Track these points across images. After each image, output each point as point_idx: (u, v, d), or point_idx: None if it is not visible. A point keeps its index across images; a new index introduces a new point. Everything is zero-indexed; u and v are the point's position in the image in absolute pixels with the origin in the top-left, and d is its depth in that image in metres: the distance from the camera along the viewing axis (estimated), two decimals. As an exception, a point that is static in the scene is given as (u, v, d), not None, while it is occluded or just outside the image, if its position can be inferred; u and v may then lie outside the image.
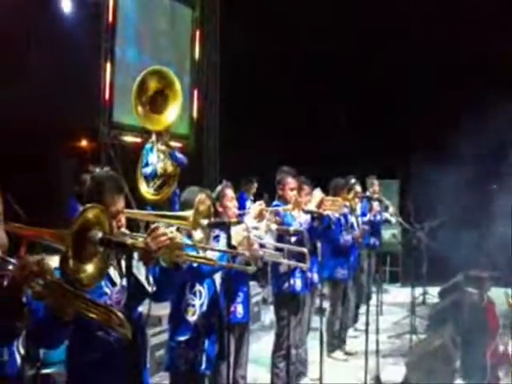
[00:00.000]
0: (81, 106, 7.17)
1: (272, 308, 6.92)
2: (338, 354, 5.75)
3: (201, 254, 2.92)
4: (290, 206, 4.43)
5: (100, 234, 1.88)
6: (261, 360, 5.38)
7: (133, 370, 2.23)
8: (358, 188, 6.62)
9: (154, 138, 5.25)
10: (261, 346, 5.62)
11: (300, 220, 4.42)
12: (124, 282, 2.39)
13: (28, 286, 1.66)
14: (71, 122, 6.96)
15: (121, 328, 1.85)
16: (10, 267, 1.73)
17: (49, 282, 1.69)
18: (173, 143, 5.55)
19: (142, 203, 5.24)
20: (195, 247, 2.78)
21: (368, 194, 6.72)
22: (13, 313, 1.64)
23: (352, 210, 5.71)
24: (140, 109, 5.11)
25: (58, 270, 1.93)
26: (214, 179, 9.63)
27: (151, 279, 2.37)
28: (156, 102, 5.19)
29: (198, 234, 2.76)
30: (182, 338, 2.97)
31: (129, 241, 2.06)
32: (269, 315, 6.66)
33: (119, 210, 2.40)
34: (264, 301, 6.99)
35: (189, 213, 2.78)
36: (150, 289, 2.36)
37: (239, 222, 3.19)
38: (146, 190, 5.29)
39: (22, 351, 1.84)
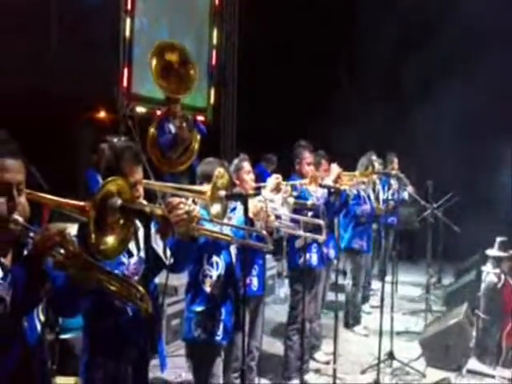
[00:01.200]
0: (100, 78, 7.17)
1: (287, 281, 7.01)
2: (359, 328, 5.76)
3: (217, 228, 2.94)
4: (306, 181, 4.40)
5: (119, 201, 1.88)
6: (275, 332, 5.44)
7: (148, 339, 2.27)
8: (377, 164, 6.58)
9: (176, 107, 5.17)
10: (275, 319, 5.67)
11: (317, 195, 4.39)
12: (141, 254, 2.41)
13: (49, 255, 1.67)
14: (90, 93, 6.96)
15: (141, 302, 1.85)
16: (32, 235, 1.75)
17: (70, 252, 1.69)
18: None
19: (160, 174, 5.22)
20: (211, 221, 2.79)
21: (387, 170, 6.66)
22: (34, 281, 1.64)
23: (374, 186, 5.68)
24: (158, 76, 5.04)
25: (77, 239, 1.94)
26: (230, 152, 9.62)
27: (168, 252, 2.38)
28: (174, 71, 5.13)
29: (215, 208, 2.75)
30: (199, 309, 2.99)
31: (147, 208, 2.06)
32: (283, 288, 6.72)
33: (137, 181, 2.40)
34: (279, 274, 7.02)
35: (207, 187, 2.77)
36: (167, 261, 2.37)
37: (256, 194, 3.18)
38: (165, 160, 5.26)
39: (42, 318, 1.86)
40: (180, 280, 4.28)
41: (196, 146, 5.23)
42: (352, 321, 5.79)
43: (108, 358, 2.31)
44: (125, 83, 7.74)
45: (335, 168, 4.65)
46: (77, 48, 6.73)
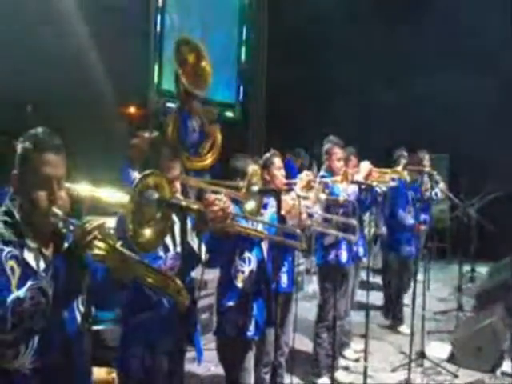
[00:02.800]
0: (131, 73, 7.24)
1: (315, 278, 6.98)
2: (404, 327, 5.67)
3: (250, 225, 2.94)
4: (338, 178, 4.35)
5: (156, 195, 1.89)
6: (303, 329, 5.41)
7: (184, 331, 2.29)
8: (405, 161, 6.48)
9: (194, 104, 5.18)
10: (303, 316, 5.65)
11: (347, 191, 4.35)
12: (178, 249, 2.43)
13: (89, 249, 1.69)
14: (121, 88, 7.04)
15: (178, 295, 1.86)
16: (72, 228, 1.78)
17: (109, 245, 1.71)
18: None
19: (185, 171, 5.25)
20: (245, 218, 2.79)
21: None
22: (74, 273, 1.67)
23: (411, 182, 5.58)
24: (181, 72, 5.06)
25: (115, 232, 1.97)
26: (258, 148, 9.61)
27: (203, 247, 2.39)
28: (190, 66, 5.14)
29: (249, 205, 2.76)
30: (230, 304, 3.00)
31: (184, 203, 2.08)
32: (311, 285, 6.69)
33: (175, 176, 2.42)
34: (307, 271, 7.00)
35: (241, 183, 2.78)
36: (202, 257, 2.38)
37: (289, 190, 3.16)
38: (192, 157, 5.28)
39: (82, 309, 1.90)
40: (210, 274, 4.30)
41: (220, 140, 5.26)
42: (396, 320, 5.75)
43: (144, 349, 2.34)
44: (156, 79, 7.82)
45: (366, 165, 4.60)
46: (108, 43, 6.81)
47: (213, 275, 3.68)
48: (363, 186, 4.46)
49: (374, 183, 4.65)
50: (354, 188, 4.37)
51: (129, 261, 1.78)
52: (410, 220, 5.52)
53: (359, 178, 4.47)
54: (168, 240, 2.43)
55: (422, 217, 6.35)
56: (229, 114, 9.58)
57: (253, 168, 2.82)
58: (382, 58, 9.43)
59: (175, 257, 2.43)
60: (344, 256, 4.34)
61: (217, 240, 2.48)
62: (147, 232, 1.83)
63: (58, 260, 1.72)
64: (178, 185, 2.48)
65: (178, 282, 1.80)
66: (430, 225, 6.01)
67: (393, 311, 5.81)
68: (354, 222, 3.77)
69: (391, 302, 5.85)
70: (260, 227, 3.04)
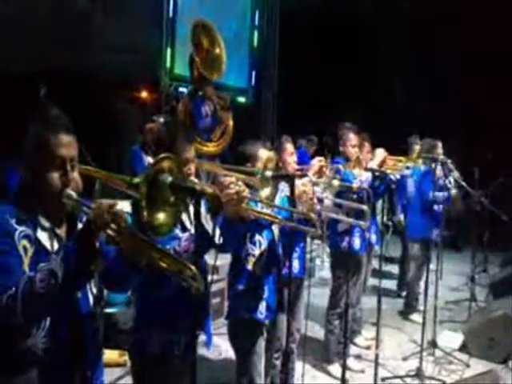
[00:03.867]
0: (143, 58, 7.21)
1: (326, 265, 6.96)
2: (416, 316, 5.65)
3: (264, 209, 2.92)
4: (351, 164, 4.30)
5: (170, 178, 1.86)
6: (314, 315, 5.40)
7: (196, 315, 2.27)
8: (419, 149, 6.40)
9: (208, 89, 5.14)
10: (315, 302, 5.63)
11: (361, 178, 4.30)
12: (193, 231, 2.41)
13: (103, 230, 1.67)
14: (134, 72, 7.02)
15: (193, 281, 1.84)
16: (85, 209, 1.76)
17: (122, 228, 1.69)
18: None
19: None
20: (260, 202, 2.77)
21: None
22: (86, 256, 1.65)
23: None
24: (197, 58, 5.02)
25: (129, 216, 1.95)
26: (271, 133, 9.56)
27: (218, 231, 2.37)
28: (204, 50, 5.10)
29: (264, 191, 2.73)
30: (241, 287, 2.99)
31: (198, 186, 2.05)
32: (322, 272, 6.68)
33: (189, 159, 2.41)
34: (318, 257, 6.98)
35: (256, 169, 2.76)
36: (216, 240, 2.36)
37: (303, 176, 3.12)
38: (204, 143, 5.26)
39: (95, 291, 1.89)
40: (221, 259, 4.30)
41: (231, 126, 5.24)
42: (410, 309, 5.73)
43: (159, 330, 2.34)
44: (168, 63, 7.76)
45: (381, 152, 4.54)
46: (121, 27, 6.77)
47: (224, 260, 3.67)
48: (377, 174, 4.42)
49: (388, 171, 4.61)
50: (367, 175, 4.32)
51: (143, 244, 1.76)
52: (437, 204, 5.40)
53: (373, 165, 4.43)
54: (185, 220, 2.42)
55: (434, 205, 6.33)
56: (241, 99, 9.52)
57: (268, 153, 2.79)
58: (394, 45, 9.32)
59: (190, 238, 2.42)
60: (357, 243, 4.30)
61: (231, 224, 2.45)
62: (161, 216, 1.80)
63: (69, 243, 1.70)
64: (192, 167, 2.46)
65: (193, 267, 1.77)
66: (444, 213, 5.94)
67: (407, 298, 5.79)
68: (364, 207, 3.73)
69: (408, 288, 5.82)
70: (270, 211, 3.01)
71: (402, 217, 6.30)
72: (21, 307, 1.58)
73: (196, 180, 2.36)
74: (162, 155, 1.83)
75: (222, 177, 2.46)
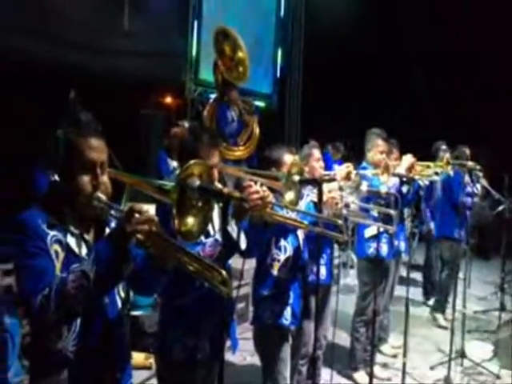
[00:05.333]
0: (168, 63, 7.27)
1: (351, 271, 6.89)
2: (443, 321, 5.67)
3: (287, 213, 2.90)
4: (379, 170, 4.26)
5: (198, 182, 1.86)
6: (339, 322, 5.34)
7: (221, 320, 2.26)
8: (448, 155, 6.31)
9: (232, 94, 5.15)
10: (339, 309, 5.57)
11: (388, 184, 4.24)
12: (217, 236, 2.40)
13: (133, 234, 1.66)
14: (159, 78, 7.08)
15: (222, 286, 1.84)
16: (114, 213, 1.77)
17: (152, 231, 1.68)
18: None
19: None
20: (285, 207, 2.75)
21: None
22: (118, 259, 1.65)
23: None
24: (221, 64, 5.04)
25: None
26: (295, 138, 9.53)
27: (243, 236, 2.35)
28: (227, 56, 5.12)
29: (288, 195, 2.71)
30: (267, 292, 2.98)
31: (225, 190, 2.04)
32: (348, 279, 6.61)
33: (214, 164, 2.40)
34: (344, 264, 6.91)
35: (281, 174, 2.74)
36: (242, 245, 2.35)
37: (331, 180, 3.09)
38: (231, 148, 5.27)
39: (123, 294, 1.90)
40: (245, 264, 4.29)
41: (257, 130, 5.24)
42: (441, 308, 5.79)
43: (185, 333, 2.34)
44: (193, 68, 7.80)
45: (408, 158, 4.48)
46: (146, 33, 6.84)
47: (248, 265, 3.65)
48: (404, 179, 4.36)
49: (416, 176, 4.54)
50: (394, 181, 4.26)
51: (172, 248, 1.75)
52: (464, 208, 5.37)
53: (400, 170, 4.36)
54: (209, 226, 2.41)
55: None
56: (265, 104, 9.51)
57: (293, 158, 2.77)
58: (420, 49, 9.22)
59: (214, 244, 2.41)
60: (385, 249, 4.24)
61: (255, 229, 2.44)
62: (190, 221, 1.80)
63: (100, 245, 1.71)
64: (215, 173, 2.45)
65: (223, 272, 1.76)
66: (470, 221, 5.84)
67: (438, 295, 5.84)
68: (392, 211, 3.68)
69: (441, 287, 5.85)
70: (295, 216, 2.98)
71: (432, 225, 6.22)
72: (53, 307, 1.60)
73: (219, 185, 2.35)
74: (192, 161, 1.82)
75: (247, 182, 2.44)
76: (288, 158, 3.01)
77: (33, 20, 5.54)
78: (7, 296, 4.38)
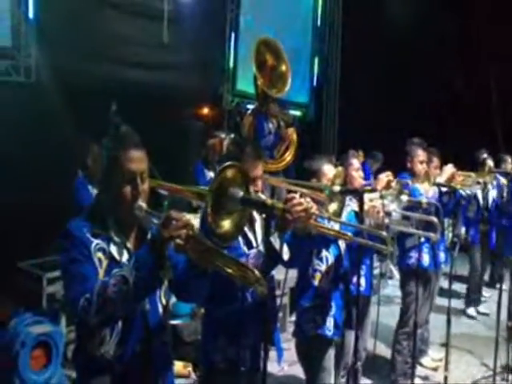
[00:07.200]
0: (205, 74, 7.38)
1: (390, 282, 6.80)
2: (472, 310, 5.91)
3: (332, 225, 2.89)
4: (419, 179, 4.22)
5: (241, 193, 1.89)
6: (378, 333, 5.27)
7: (263, 330, 2.28)
8: (491, 163, 6.18)
9: (272, 107, 5.16)
10: (379, 320, 5.50)
11: (427, 194, 4.19)
12: (260, 247, 2.43)
13: (173, 239, 1.71)
14: (197, 89, 7.19)
15: (257, 285, 1.86)
16: (154, 220, 1.83)
17: (190, 235, 1.73)
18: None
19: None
20: (329, 219, 2.75)
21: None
22: (157, 264, 1.70)
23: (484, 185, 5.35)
24: (261, 76, 5.06)
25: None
26: (332, 148, 9.50)
27: (285, 247, 2.37)
28: (269, 67, 5.14)
29: (332, 206, 2.72)
30: (309, 304, 2.97)
31: (269, 201, 2.07)
32: (387, 289, 6.52)
33: (257, 176, 2.43)
34: (382, 275, 6.82)
35: (324, 185, 2.75)
36: (285, 256, 2.37)
37: (373, 190, 3.08)
38: (267, 159, 5.28)
39: (164, 301, 1.95)
40: (283, 274, 4.30)
41: (295, 143, 5.23)
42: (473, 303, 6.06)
43: (228, 342, 2.36)
44: (230, 79, 7.90)
45: (449, 168, 4.42)
46: (183, 44, 6.97)
47: (283, 275, 3.66)
48: (445, 189, 4.30)
49: (458, 186, 4.47)
50: (434, 191, 4.21)
51: (209, 251, 1.79)
52: None
53: (441, 180, 4.31)
54: (251, 237, 2.44)
55: (504, 220, 6.09)
56: (301, 113, 9.53)
57: (337, 169, 2.78)
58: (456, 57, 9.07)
59: (257, 255, 2.44)
60: (426, 259, 4.20)
61: (298, 240, 2.45)
62: (226, 223, 1.83)
63: (140, 251, 1.77)
64: (260, 184, 2.48)
65: (257, 272, 1.79)
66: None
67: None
68: (434, 219, 3.62)
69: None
70: (337, 227, 2.98)
71: (463, 230, 6.15)
72: (95, 309, 1.67)
73: (263, 196, 2.38)
74: (226, 164, 1.85)
75: (289, 193, 2.46)
76: (328, 169, 3.02)
77: (73, 36, 5.72)
78: (51, 304, 4.53)
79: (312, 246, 2.92)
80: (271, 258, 2.33)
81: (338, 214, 2.73)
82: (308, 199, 2.40)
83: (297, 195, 2.38)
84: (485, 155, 6.13)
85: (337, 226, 3.00)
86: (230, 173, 1.87)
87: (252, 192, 2.28)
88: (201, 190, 2.09)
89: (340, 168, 2.85)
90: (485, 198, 6.04)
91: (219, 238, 1.80)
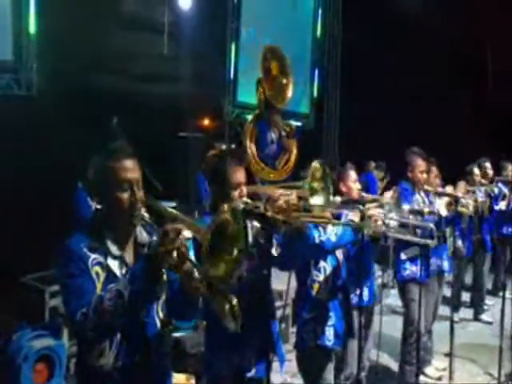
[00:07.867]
0: (206, 85, 7.42)
1: (392, 292, 6.77)
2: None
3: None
4: (419, 189, 4.26)
5: (242, 205, 1.90)
6: (380, 343, 5.25)
7: (265, 340, 2.29)
8: (491, 171, 6.19)
9: (275, 116, 5.18)
10: (381, 330, 5.47)
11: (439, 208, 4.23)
12: (251, 250, 2.43)
13: (166, 253, 1.71)
14: (198, 101, 7.23)
15: (230, 320, 1.89)
16: (152, 231, 1.87)
17: (181, 254, 1.74)
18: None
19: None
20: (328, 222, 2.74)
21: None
22: (152, 279, 1.72)
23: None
24: (265, 84, 5.07)
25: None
26: (333, 158, 9.52)
27: (275, 242, 2.40)
28: (273, 77, 5.15)
29: (314, 200, 2.66)
30: (308, 315, 2.98)
31: (269, 213, 2.07)
32: (389, 299, 6.50)
33: (240, 182, 2.45)
34: (384, 285, 6.80)
35: (304, 181, 2.73)
36: (274, 252, 2.40)
37: (375, 201, 3.09)
38: (269, 171, 5.27)
39: (161, 315, 1.96)
40: (285, 285, 4.30)
41: (295, 155, 5.25)
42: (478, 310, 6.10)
43: (228, 355, 2.38)
44: (231, 90, 7.95)
45: (463, 185, 4.49)
46: (184, 57, 7.02)
47: (286, 287, 3.67)
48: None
49: (460, 194, 4.50)
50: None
51: (195, 274, 1.78)
52: None
53: (445, 189, 4.36)
54: None
55: (506, 229, 6.14)
56: (302, 123, 9.57)
57: (314, 165, 2.72)
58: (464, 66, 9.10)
59: (248, 257, 2.42)
60: (420, 271, 4.19)
61: (289, 239, 2.47)
62: (221, 267, 1.76)
63: (136, 265, 1.79)
64: (244, 189, 2.47)
65: (237, 308, 1.83)
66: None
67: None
68: (431, 225, 3.63)
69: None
70: (333, 238, 2.95)
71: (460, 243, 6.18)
72: (91, 323, 1.69)
73: (248, 200, 2.36)
74: (225, 206, 1.79)
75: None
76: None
77: (74, 49, 5.78)
78: (53, 318, 4.53)
79: (309, 256, 2.92)
80: (264, 258, 2.33)
81: (324, 208, 2.69)
82: (288, 192, 2.42)
83: (278, 191, 2.41)
84: (487, 164, 6.17)
85: (333, 237, 2.97)
86: (227, 214, 1.77)
87: (236, 198, 2.34)
88: (198, 227, 2.00)
89: (317, 164, 2.77)
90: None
91: (213, 278, 1.76)
